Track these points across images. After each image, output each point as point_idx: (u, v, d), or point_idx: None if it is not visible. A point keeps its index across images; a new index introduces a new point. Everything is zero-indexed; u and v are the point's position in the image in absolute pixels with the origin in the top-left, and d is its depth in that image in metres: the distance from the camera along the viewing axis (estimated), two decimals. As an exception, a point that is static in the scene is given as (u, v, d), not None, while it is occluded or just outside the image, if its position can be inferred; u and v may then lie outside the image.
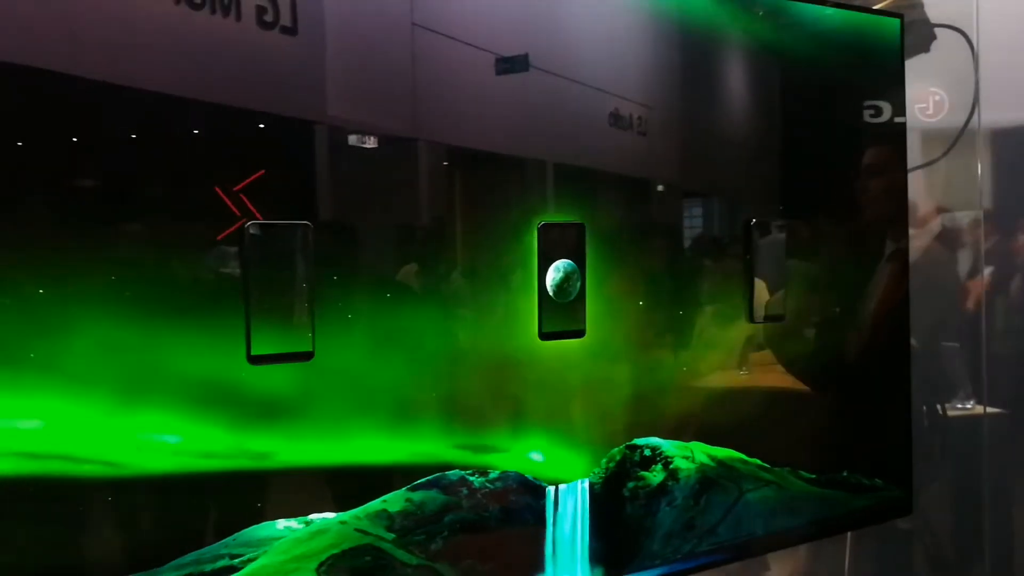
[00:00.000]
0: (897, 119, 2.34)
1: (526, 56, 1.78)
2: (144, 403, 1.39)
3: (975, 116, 2.67)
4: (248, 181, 1.48)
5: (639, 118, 1.96)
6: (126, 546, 1.42)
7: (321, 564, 1.57)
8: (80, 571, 1.38)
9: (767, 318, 2.11)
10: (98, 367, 1.35)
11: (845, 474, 2.26)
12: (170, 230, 1.44)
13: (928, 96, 2.73)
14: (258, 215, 1.49)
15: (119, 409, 1.37)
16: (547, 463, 1.80)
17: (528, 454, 1.78)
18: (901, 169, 2.37)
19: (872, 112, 2.34)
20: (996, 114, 2.74)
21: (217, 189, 1.46)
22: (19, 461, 1.31)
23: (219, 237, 1.46)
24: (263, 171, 1.50)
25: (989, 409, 2.76)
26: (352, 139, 1.62)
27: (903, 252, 2.37)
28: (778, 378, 2.17)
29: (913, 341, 2.60)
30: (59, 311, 1.33)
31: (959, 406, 2.82)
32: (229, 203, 1.47)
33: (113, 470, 1.37)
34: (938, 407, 2.76)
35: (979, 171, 2.72)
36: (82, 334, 1.35)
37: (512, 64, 1.78)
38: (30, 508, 1.32)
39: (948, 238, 2.84)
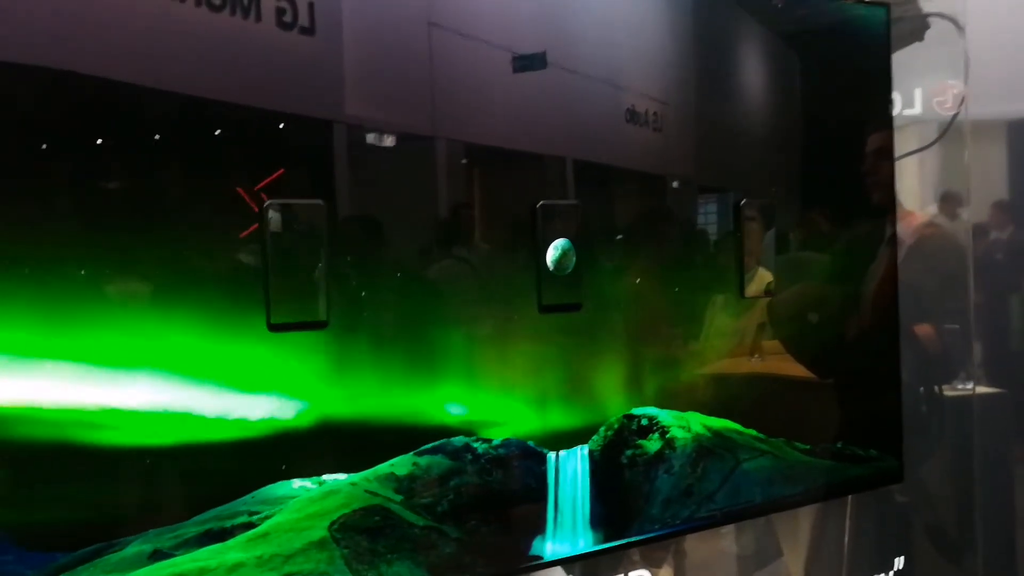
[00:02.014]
0: (885, 107, 2.43)
1: (544, 54, 1.86)
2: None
3: (963, 107, 2.74)
4: (268, 180, 1.55)
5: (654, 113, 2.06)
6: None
7: (333, 523, 1.66)
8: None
9: (758, 296, 2.19)
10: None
11: (840, 445, 2.34)
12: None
13: (946, 88, 2.79)
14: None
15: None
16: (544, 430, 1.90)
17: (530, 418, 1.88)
18: (889, 157, 2.46)
19: (864, 101, 2.43)
20: (985, 106, 2.80)
21: (239, 189, 1.54)
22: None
23: (242, 235, 1.54)
24: (283, 170, 1.57)
25: (980, 388, 2.84)
26: (370, 137, 1.69)
27: (894, 237, 2.45)
28: (772, 352, 2.25)
29: (913, 324, 2.69)
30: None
31: (959, 387, 2.89)
32: (250, 201, 1.54)
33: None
34: (935, 387, 2.83)
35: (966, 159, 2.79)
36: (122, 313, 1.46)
37: (530, 62, 1.87)
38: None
39: (946, 224, 2.90)
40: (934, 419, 2.78)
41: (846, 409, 2.35)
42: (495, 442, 1.82)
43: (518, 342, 1.87)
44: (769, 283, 2.21)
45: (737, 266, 2.18)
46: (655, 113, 2.06)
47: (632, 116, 2.02)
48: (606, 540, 1.97)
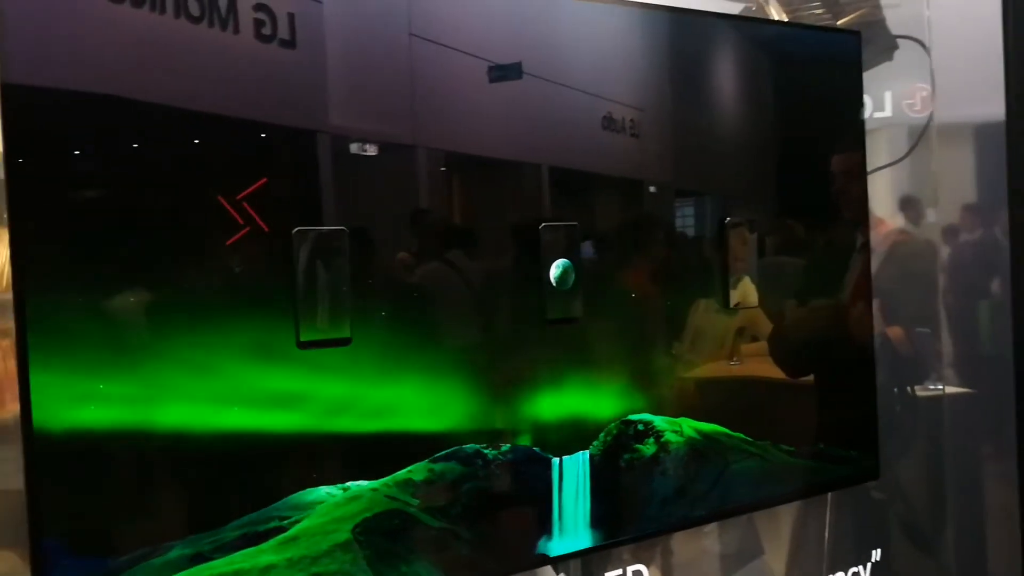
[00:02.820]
0: (859, 122, 2.59)
1: (519, 64, 1.97)
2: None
3: (932, 116, 2.90)
4: (251, 189, 1.63)
5: (631, 120, 2.17)
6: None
7: (356, 526, 1.79)
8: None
9: (743, 306, 2.34)
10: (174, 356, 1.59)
11: (821, 446, 2.49)
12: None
13: (915, 92, 2.92)
14: (261, 222, 1.65)
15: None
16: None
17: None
18: (863, 170, 2.61)
19: (838, 116, 2.58)
20: (952, 111, 2.95)
21: (220, 198, 1.60)
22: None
23: (228, 243, 1.62)
24: (265, 179, 1.64)
25: (950, 389, 3.00)
26: (353, 147, 1.76)
27: (867, 245, 2.61)
28: (758, 362, 2.40)
29: (888, 328, 2.85)
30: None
31: (930, 387, 3.04)
32: (232, 211, 1.62)
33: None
34: (908, 388, 2.98)
35: (932, 166, 2.94)
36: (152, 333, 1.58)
37: (505, 72, 1.98)
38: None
39: (915, 229, 3.05)
40: (907, 418, 2.93)
41: (826, 411, 2.50)
42: (504, 448, 1.96)
43: (521, 353, 2.01)
44: (752, 292, 2.35)
45: (722, 277, 2.32)
46: (631, 120, 2.17)
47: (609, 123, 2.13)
48: (605, 538, 2.11)
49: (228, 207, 1.62)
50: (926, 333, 3.03)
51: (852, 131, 2.60)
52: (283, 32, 1.67)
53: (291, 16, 1.68)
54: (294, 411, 1.72)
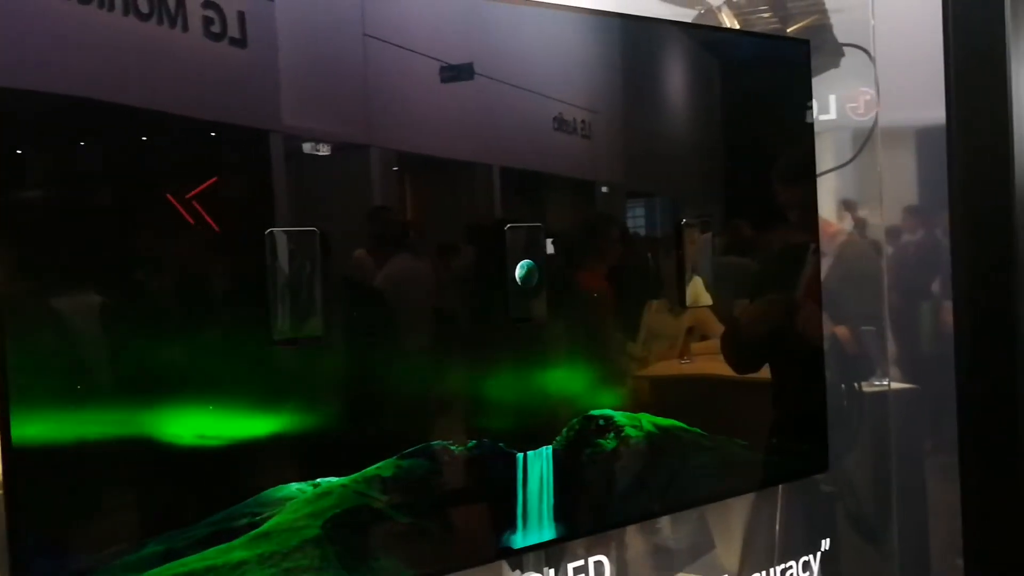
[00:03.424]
0: (808, 127, 2.68)
1: (471, 65, 2.00)
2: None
3: (876, 120, 2.99)
4: (201, 188, 1.63)
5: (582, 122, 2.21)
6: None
7: (326, 522, 1.81)
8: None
9: (697, 304, 2.41)
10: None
11: (774, 441, 2.58)
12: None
13: (859, 96, 3.01)
14: (211, 222, 1.65)
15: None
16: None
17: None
18: (811, 172, 2.70)
19: (786, 120, 2.67)
20: (895, 116, 3.05)
21: (169, 196, 1.60)
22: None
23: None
24: (216, 178, 1.65)
25: (895, 384, 3.10)
26: (306, 147, 1.77)
27: (816, 247, 2.70)
28: (711, 360, 2.48)
29: (836, 326, 2.93)
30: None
31: (876, 383, 3.14)
32: (182, 210, 1.61)
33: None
34: (854, 384, 3.07)
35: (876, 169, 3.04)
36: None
37: (458, 72, 2.01)
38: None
39: (863, 232, 3.15)
40: (854, 413, 3.02)
41: (778, 407, 2.58)
42: (470, 444, 2.00)
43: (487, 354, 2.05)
44: (704, 291, 2.42)
45: (678, 276, 2.39)
46: (583, 121, 2.21)
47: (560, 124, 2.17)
48: (568, 531, 2.16)
49: (177, 206, 1.62)
50: (871, 331, 3.12)
51: (801, 135, 2.68)
52: (233, 31, 1.68)
53: (241, 15, 1.68)
54: (265, 408, 1.75)
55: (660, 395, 2.32)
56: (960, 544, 2.93)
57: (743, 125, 2.58)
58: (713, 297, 2.43)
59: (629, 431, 2.23)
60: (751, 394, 2.57)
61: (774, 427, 2.59)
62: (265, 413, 1.74)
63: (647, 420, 2.27)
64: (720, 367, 2.48)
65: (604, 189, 2.33)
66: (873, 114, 2.96)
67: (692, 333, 2.44)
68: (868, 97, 2.98)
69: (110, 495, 1.60)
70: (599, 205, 2.35)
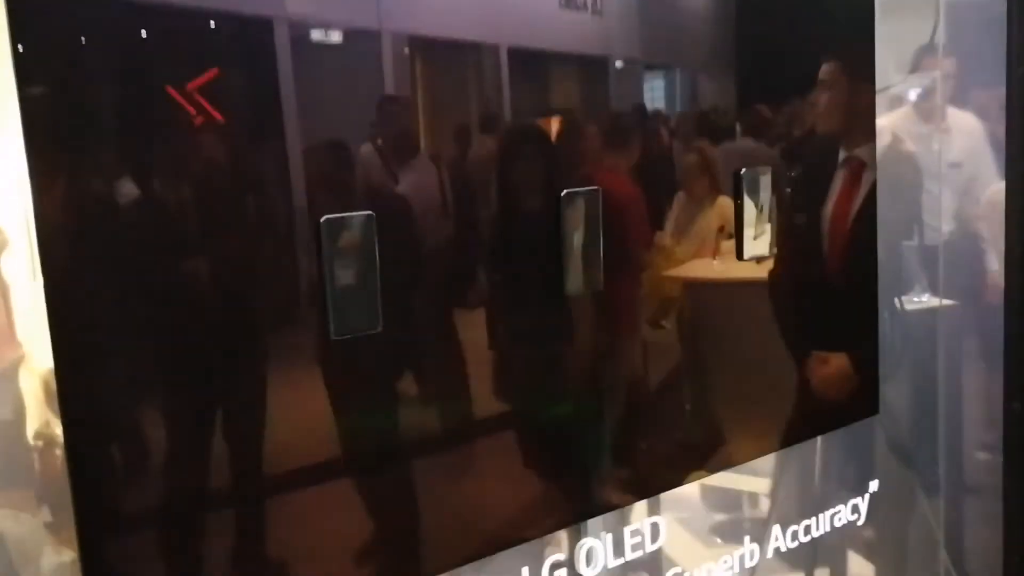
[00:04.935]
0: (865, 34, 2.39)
1: None
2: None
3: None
4: (202, 80, 1.46)
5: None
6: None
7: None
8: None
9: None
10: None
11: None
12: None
13: None
14: (216, 114, 1.47)
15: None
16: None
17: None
18: (869, 82, 2.42)
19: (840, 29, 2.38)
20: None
21: (169, 89, 1.43)
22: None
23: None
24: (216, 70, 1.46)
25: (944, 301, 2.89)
26: (314, 34, 1.58)
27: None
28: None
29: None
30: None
31: (915, 300, 2.93)
32: (184, 102, 1.45)
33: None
34: (896, 302, 2.85)
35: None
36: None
37: None
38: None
39: (903, 144, 2.88)
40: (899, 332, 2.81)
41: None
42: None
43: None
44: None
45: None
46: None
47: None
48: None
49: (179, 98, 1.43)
50: (912, 246, 2.90)
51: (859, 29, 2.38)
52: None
53: None
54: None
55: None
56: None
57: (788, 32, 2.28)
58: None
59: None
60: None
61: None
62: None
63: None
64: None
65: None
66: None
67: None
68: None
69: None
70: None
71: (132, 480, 1.44)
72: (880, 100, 2.49)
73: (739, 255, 2.16)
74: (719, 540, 2.38)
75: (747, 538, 2.39)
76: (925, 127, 2.82)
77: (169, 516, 1.47)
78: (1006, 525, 2.95)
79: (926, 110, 2.81)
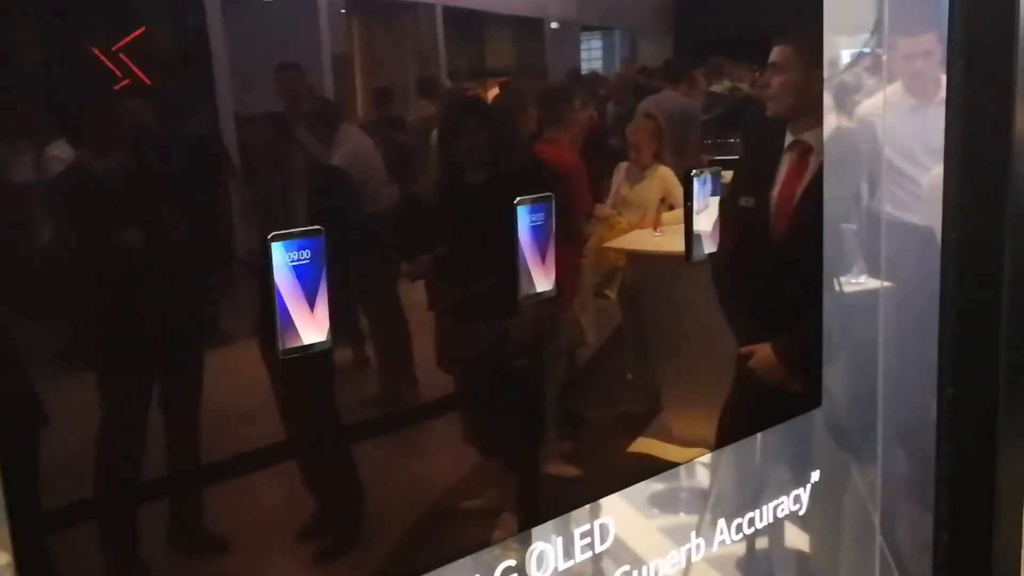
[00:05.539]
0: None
1: None
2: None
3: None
4: (128, 39, 1.34)
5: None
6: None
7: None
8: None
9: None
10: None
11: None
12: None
13: None
14: (144, 77, 1.35)
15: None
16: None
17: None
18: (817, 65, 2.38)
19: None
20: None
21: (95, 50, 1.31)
22: None
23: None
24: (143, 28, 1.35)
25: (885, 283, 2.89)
26: None
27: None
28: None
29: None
30: None
31: (852, 281, 2.92)
32: (109, 64, 1.33)
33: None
34: (835, 283, 2.84)
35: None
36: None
37: None
38: None
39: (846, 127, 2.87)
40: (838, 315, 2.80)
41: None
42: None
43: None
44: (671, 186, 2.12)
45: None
46: None
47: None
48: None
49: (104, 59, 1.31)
50: (851, 229, 2.89)
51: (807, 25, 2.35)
52: None
53: None
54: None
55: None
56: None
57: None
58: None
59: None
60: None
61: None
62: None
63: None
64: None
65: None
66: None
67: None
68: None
69: None
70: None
71: (66, 479, 1.33)
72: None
73: (688, 258, 2.11)
74: (665, 537, 2.33)
75: (692, 533, 2.36)
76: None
77: (105, 513, 1.37)
78: (936, 506, 2.99)
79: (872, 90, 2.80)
